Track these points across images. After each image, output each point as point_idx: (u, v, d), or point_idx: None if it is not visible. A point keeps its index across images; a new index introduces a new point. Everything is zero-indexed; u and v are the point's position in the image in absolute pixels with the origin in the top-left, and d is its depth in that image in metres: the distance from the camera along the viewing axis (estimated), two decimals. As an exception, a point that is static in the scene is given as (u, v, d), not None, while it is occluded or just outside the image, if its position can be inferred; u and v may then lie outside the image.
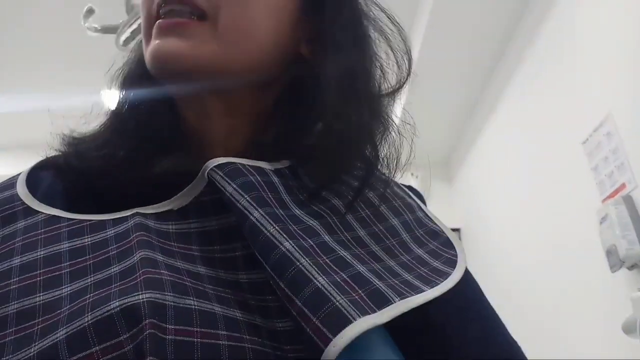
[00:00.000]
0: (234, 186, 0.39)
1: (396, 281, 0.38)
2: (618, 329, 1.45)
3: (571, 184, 1.86)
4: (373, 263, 0.40)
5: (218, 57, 0.44)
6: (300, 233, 0.38)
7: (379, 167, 0.49)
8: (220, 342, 0.33)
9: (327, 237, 0.40)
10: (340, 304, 0.32)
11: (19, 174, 0.47)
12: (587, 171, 1.73)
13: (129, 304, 0.33)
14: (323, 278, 0.34)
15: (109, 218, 0.42)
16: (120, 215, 0.42)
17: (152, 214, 0.42)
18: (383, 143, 0.49)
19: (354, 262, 0.38)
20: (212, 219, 0.41)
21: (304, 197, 0.43)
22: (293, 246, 0.36)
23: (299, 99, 0.49)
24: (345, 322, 0.31)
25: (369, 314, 0.33)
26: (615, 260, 1.51)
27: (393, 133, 0.49)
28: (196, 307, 0.34)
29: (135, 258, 0.37)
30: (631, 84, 1.51)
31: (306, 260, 0.35)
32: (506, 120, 2.44)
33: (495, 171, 2.59)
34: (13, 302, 0.35)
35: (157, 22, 0.45)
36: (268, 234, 0.36)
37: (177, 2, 0.44)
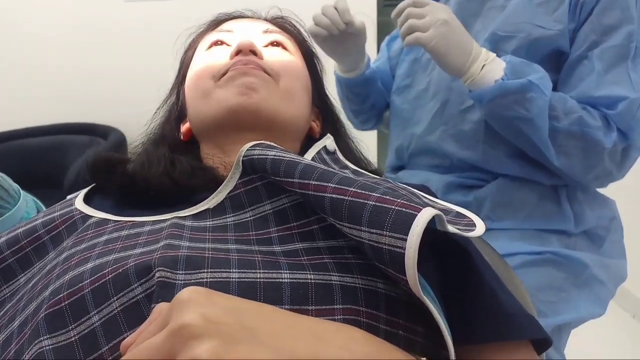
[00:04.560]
0: (276, 151, 0.48)
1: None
2: None
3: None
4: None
5: (281, 106, 0.59)
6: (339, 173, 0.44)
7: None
8: (231, 279, 0.39)
9: (360, 178, 0.45)
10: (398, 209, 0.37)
11: (77, 194, 0.58)
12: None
13: (142, 262, 0.40)
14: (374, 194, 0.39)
15: (150, 219, 0.50)
16: (160, 218, 0.50)
17: (189, 215, 0.50)
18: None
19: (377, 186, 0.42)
20: (246, 212, 0.49)
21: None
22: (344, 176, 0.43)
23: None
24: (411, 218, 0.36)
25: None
26: None
27: None
28: (209, 255, 0.41)
29: (159, 244, 0.44)
30: None
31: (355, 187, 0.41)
32: None
33: None
34: (52, 284, 0.42)
35: (236, 67, 0.59)
36: (322, 168, 0.44)
37: (253, 67, 0.59)
